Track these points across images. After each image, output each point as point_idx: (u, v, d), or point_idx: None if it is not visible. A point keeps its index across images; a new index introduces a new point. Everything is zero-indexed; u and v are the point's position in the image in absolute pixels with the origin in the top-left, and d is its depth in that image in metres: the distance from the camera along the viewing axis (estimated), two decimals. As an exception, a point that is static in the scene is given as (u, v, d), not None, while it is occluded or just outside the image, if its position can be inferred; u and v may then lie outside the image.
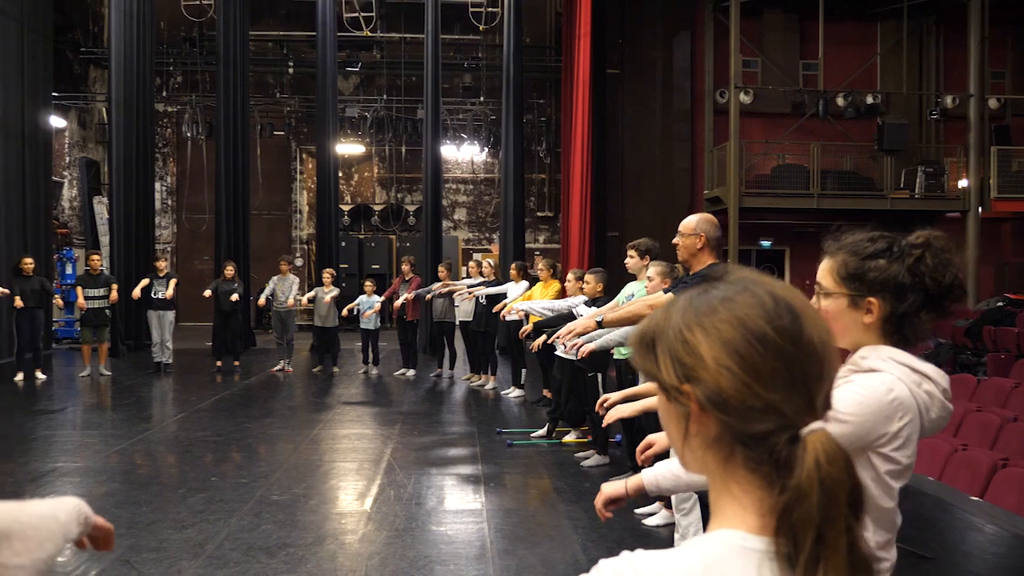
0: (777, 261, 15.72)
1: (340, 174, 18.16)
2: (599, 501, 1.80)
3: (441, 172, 13.60)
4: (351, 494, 5.04)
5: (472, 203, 18.75)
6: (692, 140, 14.91)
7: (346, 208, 18.19)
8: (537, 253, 18.47)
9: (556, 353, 6.36)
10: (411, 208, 18.14)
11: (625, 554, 0.75)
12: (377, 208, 18.36)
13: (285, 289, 10.44)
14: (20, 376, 9.43)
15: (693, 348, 0.76)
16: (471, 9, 14.69)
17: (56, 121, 16.05)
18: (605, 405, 2.88)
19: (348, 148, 17.80)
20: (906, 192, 14.14)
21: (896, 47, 14.92)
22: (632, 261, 5.08)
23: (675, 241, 3.53)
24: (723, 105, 14.12)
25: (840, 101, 14.01)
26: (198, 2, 14.61)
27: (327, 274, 10.45)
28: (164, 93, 17.38)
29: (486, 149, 17.74)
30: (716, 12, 14.25)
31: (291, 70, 17.51)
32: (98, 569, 3.74)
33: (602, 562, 0.75)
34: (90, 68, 17.07)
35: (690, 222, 3.45)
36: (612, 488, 1.83)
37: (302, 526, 4.30)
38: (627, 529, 4.26)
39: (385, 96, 17.23)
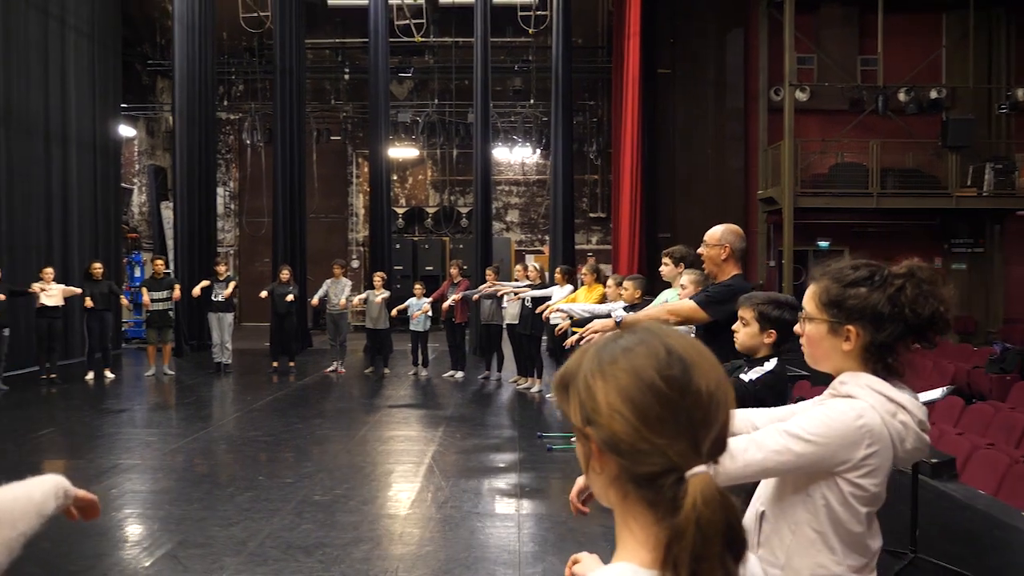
0: (836, 262, 15.31)
1: (395, 177, 18.53)
2: (573, 494, 1.65)
3: (491, 175, 13.72)
4: (390, 496, 5.17)
5: (524, 205, 18.83)
6: (745, 139, 14.65)
7: (400, 211, 18.51)
8: (589, 254, 18.44)
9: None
10: (464, 210, 18.32)
11: None
12: (431, 211, 18.61)
13: (338, 292, 10.71)
14: (90, 375, 9.93)
15: (593, 394, 0.81)
16: (520, 13, 14.75)
17: (126, 130, 16.82)
18: None
19: (402, 152, 18.10)
20: (973, 190, 13.59)
21: (962, 39, 14.35)
22: (667, 268, 5.06)
23: (700, 251, 3.53)
24: (778, 103, 13.84)
25: (902, 96, 13.55)
26: (256, 14, 15.07)
27: (378, 277, 10.68)
28: (226, 102, 17.98)
29: (538, 151, 17.79)
30: (770, 9, 13.97)
31: (347, 76, 17.92)
32: (149, 562, 3.95)
33: None
34: (157, 79, 17.80)
35: (715, 232, 3.44)
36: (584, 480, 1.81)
37: (340, 527, 4.44)
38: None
39: (436, 100, 17.44)
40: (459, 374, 10.34)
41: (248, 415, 8.01)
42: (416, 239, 18.36)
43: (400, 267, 17.57)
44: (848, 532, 1.46)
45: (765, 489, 1.62)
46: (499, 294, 9.45)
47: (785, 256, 12.84)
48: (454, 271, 10.43)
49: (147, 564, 3.94)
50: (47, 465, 6.02)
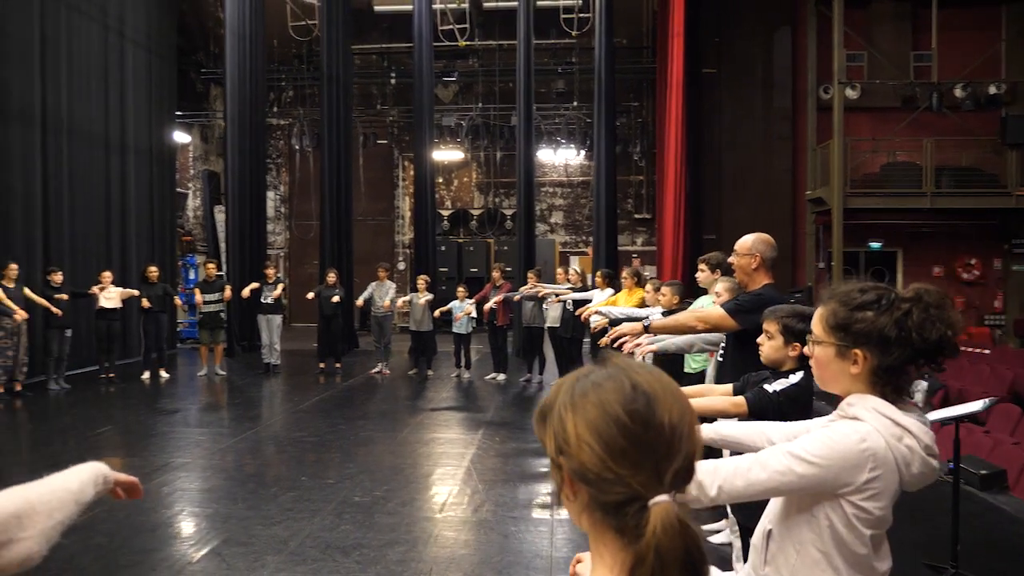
0: (888, 263, 14.92)
1: (440, 180, 18.72)
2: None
3: (534, 177, 13.76)
4: (428, 499, 5.26)
5: (569, 206, 18.84)
6: (793, 139, 14.39)
7: (445, 213, 18.71)
8: (634, 256, 18.37)
9: (634, 363, 6.38)
10: (508, 212, 18.41)
11: None
12: (475, 213, 18.76)
13: (382, 294, 10.89)
14: (146, 374, 10.31)
15: (565, 426, 0.86)
16: (563, 16, 14.76)
17: (181, 137, 17.36)
18: None
19: (448, 155, 18.29)
20: (1034, 188, 13.10)
21: (1023, 32, 13.85)
22: (703, 275, 5.03)
23: (730, 260, 3.52)
24: (827, 101, 13.55)
25: (957, 92, 13.15)
26: (304, 22, 15.41)
27: (422, 280, 10.83)
28: (276, 108, 18.43)
29: (582, 152, 17.77)
30: (819, 6, 13.68)
31: (393, 81, 18.17)
32: (195, 559, 4.11)
33: None
34: (211, 87, 18.32)
35: (746, 242, 3.43)
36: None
37: (378, 528, 4.55)
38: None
39: (481, 103, 17.57)
40: (501, 376, 10.42)
41: (295, 415, 8.22)
42: (461, 241, 18.52)
43: (445, 269, 17.76)
44: (852, 553, 1.47)
45: (773, 508, 1.63)
46: (540, 295, 9.51)
47: (835, 258, 12.57)
48: (496, 274, 10.52)
49: (193, 560, 4.10)
50: (108, 463, 6.29)
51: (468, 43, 16.98)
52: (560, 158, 18.33)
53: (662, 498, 0.82)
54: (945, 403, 7.95)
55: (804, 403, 2.53)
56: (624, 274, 8.09)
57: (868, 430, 1.45)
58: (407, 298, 10.85)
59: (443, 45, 16.11)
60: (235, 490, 5.43)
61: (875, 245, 14.61)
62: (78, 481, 1.17)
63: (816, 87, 14.06)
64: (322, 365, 11.12)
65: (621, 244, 18.54)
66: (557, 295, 9.24)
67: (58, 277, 9.37)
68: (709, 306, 4.82)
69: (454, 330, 10.65)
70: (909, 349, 1.47)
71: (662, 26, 13.93)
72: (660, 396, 0.85)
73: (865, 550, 1.47)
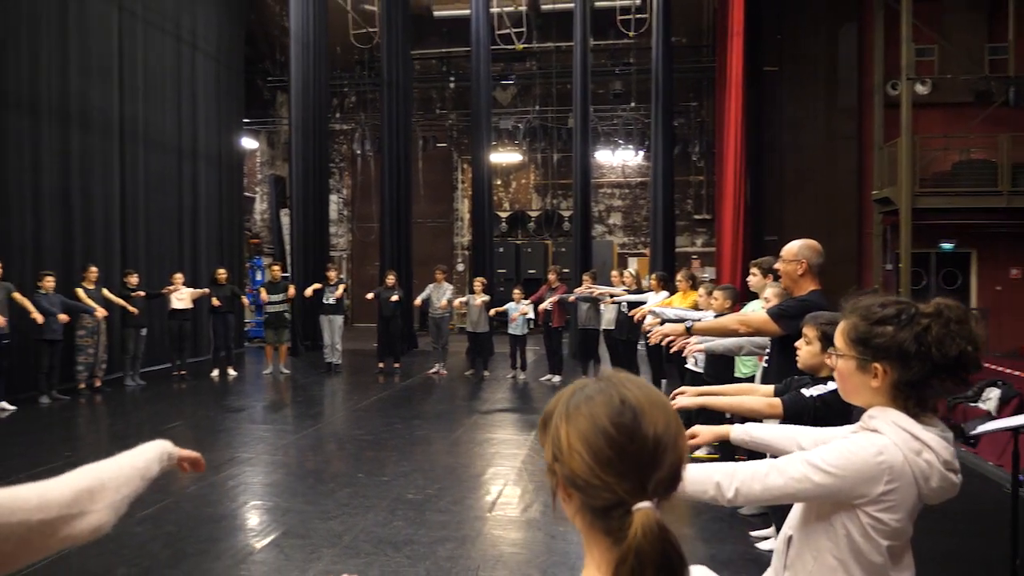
0: (962, 265, 14.38)
1: (498, 182, 18.89)
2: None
3: (591, 179, 13.75)
4: (478, 498, 5.37)
5: (627, 208, 18.75)
6: (859, 137, 14.00)
7: (503, 215, 18.86)
8: (694, 257, 18.15)
9: (687, 366, 6.37)
10: (566, 214, 18.44)
11: None
12: (533, 214, 18.86)
13: (439, 296, 11.08)
14: (215, 372, 10.74)
15: (559, 435, 0.94)
16: (619, 17, 14.71)
17: (249, 143, 18.01)
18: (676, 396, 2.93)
19: (506, 157, 18.44)
20: (1121, 186, 12.43)
21: (1109, 21, 13.14)
22: (754, 279, 5.00)
23: (776, 266, 3.51)
24: (894, 98, 13.13)
25: (1036, 86, 12.60)
26: (365, 30, 15.77)
27: (478, 282, 10.98)
28: (339, 113, 18.91)
29: (640, 153, 17.67)
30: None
31: (452, 85, 18.44)
32: (256, 549, 4.31)
33: None
34: (277, 94, 18.93)
35: (792, 248, 3.41)
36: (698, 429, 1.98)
37: (429, 524, 4.67)
38: (738, 553, 4.23)
39: (538, 106, 17.66)
40: (556, 378, 10.47)
41: (354, 414, 8.46)
42: (519, 243, 18.65)
43: (503, 270, 17.91)
44: (869, 562, 1.49)
45: (794, 515, 1.65)
46: (594, 294, 9.53)
47: (902, 259, 12.18)
48: (552, 276, 10.57)
49: (254, 551, 4.30)
50: (218, 453, 6.60)
51: (526, 46, 17.11)
52: (618, 159, 18.27)
53: (644, 504, 0.88)
54: (1019, 411, 7.65)
55: (840, 409, 2.50)
56: (679, 277, 8.05)
57: (886, 443, 1.47)
58: (464, 299, 11.01)
59: (500, 48, 16.27)
60: (295, 485, 5.65)
61: (947, 246, 14.10)
62: (144, 459, 1.29)
63: (883, 83, 13.65)
64: (381, 365, 11.38)
65: (680, 245, 18.36)
66: (612, 296, 9.26)
67: (134, 279, 9.87)
68: (756, 310, 4.79)
69: (510, 331, 10.75)
70: (929, 364, 1.47)
71: (722, 24, 13.76)
72: (646, 410, 0.91)
73: (881, 559, 1.48)
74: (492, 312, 10.63)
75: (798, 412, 2.47)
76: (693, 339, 4.12)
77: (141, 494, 1.24)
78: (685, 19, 17.24)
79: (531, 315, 10.65)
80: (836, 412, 2.47)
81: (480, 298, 10.74)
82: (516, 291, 10.80)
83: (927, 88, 12.62)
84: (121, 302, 9.62)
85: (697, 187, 17.91)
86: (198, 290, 10.70)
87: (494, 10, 16.03)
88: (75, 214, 9.82)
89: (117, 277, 10.13)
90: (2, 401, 8.12)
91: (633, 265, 18.20)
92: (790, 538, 1.63)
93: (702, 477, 1.56)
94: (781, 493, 1.50)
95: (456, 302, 11.10)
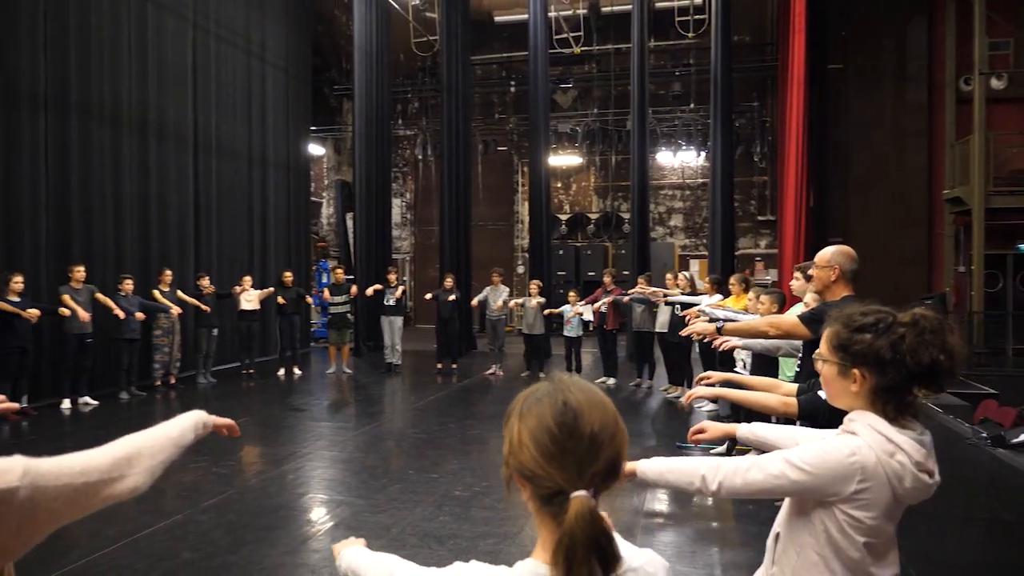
0: (1042, 267, 13.72)
1: (558, 184, 19.01)
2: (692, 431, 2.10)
3: (648, 181, 13.71)
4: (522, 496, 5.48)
5: (688, 209, 18.58)
6: (929, 135, 13.53)
7: (564, 217, 18.95)
8: (757, 259, 17.86)
9: (735, 369, 6.36)
10: (626, 216, 18.38)
11: (457, 564, 1.09)
12: (593, 216, 18.89)
13: (496, 298, 11.27)
14: (282, 371, 11.19)
15: (513, 431, 1.08)
16: (678, 18, 14.62)
17: (316, 149, 18.61)
18: (699, 380, 2.99)
19: (566, 159, 18.54)
20: None
21: None
22: (797, 284, 4.96)
23: (810, 272, 3.53)
24: (967, 94, 12.65)
25: (1123, 79, 11.94)
26: (426, 38, 16.12)
27: (534, 285, 11.11)
28: (400, 120, 19.35)
29: (701, 155, 17.50)
30: (959, -9, 12.82)
31: (512, 89, 18.64)
32: (310, 539, 4.55)
33: (439, 570, 1.10)
34: (343, 101, 19.50)
35: (825, 254, 3.42)
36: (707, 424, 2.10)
37: (473, 520, 4.83)
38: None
39: (596, 108, 17.69)
40: (611, 381, 10.50)
41: (411, 413, 8.71)
42: (579, 245, 18.71)
43: (563, 272, 18.00)
44: (848, 558, 1.55)
45: (782, 513, 1.73)
46: (646, 293, 9.54)
47: (975, 261, 11.75)
48: (608, 279, 10.61)
49: (308, 540, 4.54)
50: (245, 450, 6.95)
51: (586, 48, 17.17)
52: (679, 160, 18.13)
53: (580, 493, 1.01)
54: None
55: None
56: (732, 280, 7.99)
57: (860, 444, 1.54)
58: (520, 301, 11.16)
59: (560, 52, 16.38)
60: (350, 480, 5.90)
61: (1025, 247, 13.48)
62: (179, 429, 1.46)
63: (955, 79, 13.16)
64: (439, 366, 11.62)
65: (744, 247, 18.11)
66: (665, 296, 9.25)
67: (206, 281, 10.39)
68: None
69: (565, 333, 10.84)
70: (903, 371, 1.53)
71: (784, 22, 13.53)
72: (586, 411, 1.05)
73: (859, 555, 1.55)
74: (546, 312, 10.76)
75: (813, 413, 2.52)
76: (737, 340, 4.13)
77: (176, 460, 1.42)
78: (748, 17, 17.00)
79: (587, 316, 10.72)
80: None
81: (535, 300, 10.87)
82: (572, 294, 10.89)
83: (1002, 83, 12.09)
84: (194, 302, 10.15)
85: (761, 188, 17.62)
86: (265, 290, 11.18)
87: (553, 14, 16.18)
88: (152, 220, 10.40)
89: (191, 280, 10.68)
90: (85, 396, 8.69)
91: (695, 266, 18.03)
92: (778, 535, 1.71)
93: (690, 469, 1.66)
94: (760, 488, 1.58)
95: (512, 303, 11.25)
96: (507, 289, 11.51)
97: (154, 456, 1.34)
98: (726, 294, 8.40)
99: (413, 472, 6.04)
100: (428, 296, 11.60)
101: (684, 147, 17.52)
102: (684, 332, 3.89)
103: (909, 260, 12.98)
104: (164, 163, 10.61)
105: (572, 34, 15.65)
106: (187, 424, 1.49)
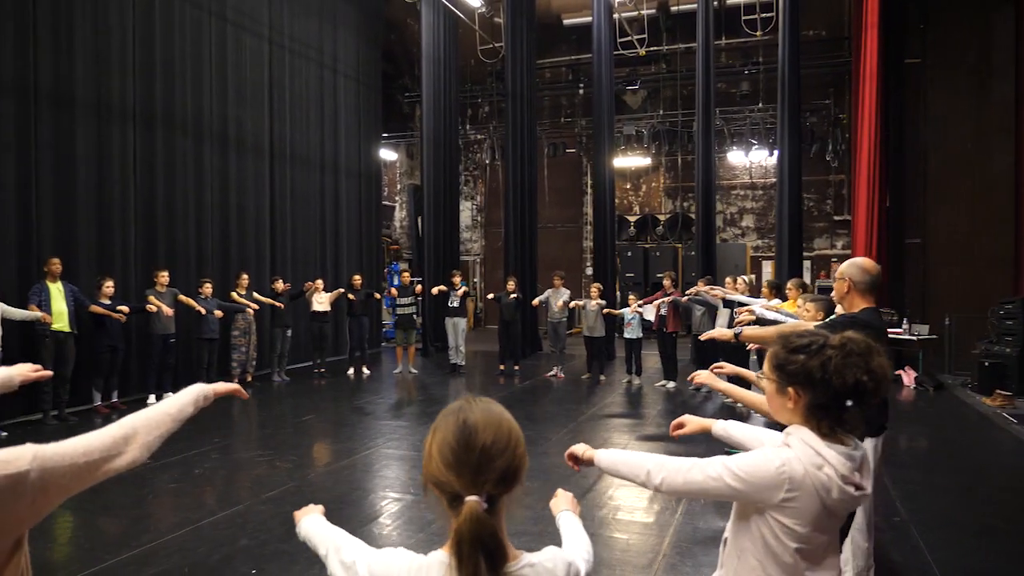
0: None
1: (628, 186, 18.99)
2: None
3: (713, 182, 13.55)
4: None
5: (761, 209, 18.22)
6: (1017, 131, 12.85)
7: (632, 219, 18.90)
8: (834, 260, 17.35)
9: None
10: (695, 217, 18.19)
11: (388, 549, 1.29)
12: (662, 218, 18.76)
13: (557, 300, 11.41)
14: (351, 371, 11.66)
15: (427, 445, 1.26)
16: (744, 17, 14.39)
17: (388, 154, 19.20)
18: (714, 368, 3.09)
19: (636, 160, 18.49)
20: None
21: None
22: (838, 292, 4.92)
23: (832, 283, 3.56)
24: (1059, 86, 11.99)
25: None
26: (491, 45, 16.40)
27: (594, 288, 11.20)
28: (468, 126, 19.73)
29: (774, 153, 17.12)
30: (1049, -23, 12.14)
31: (581, 91, 18.72)
32: (360, 530, 4.83)
33: (373, 551, 1.30)
34: (415, 107, 19.99)
35: (841, 266, 3.48)
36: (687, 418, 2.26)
37: (525, 519, 5.01)
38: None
39: (662, 110, 17.58)
40: (671, 384, 10.49)
41: (468, 413, 8.95)
42: (647, 246, 18.61)
43: (631, 274, 17.97)
44: (783, 562, 1.66)
45: (730, 518, 1.84)
46: (703, 290, 9.49)
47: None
48: (667, 282, 10.61)
49: (355, 532, 4.81)
50: (309, 447, 7.36)
51: (656, 48, 17.08)
52: (751, 160, 17.80)
53: (472, 498, 1.18)
54: None
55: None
56: (789, 284, 7.90)
57: (790, 457, 1.64)
58: (580, 303, 11.27)
59: (627, 54, 16.37)
60: (403, 476, 6.19)
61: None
62: (177, 405, 1.64)
63: (1045, 70, 12.47)
64: (502, 367, 11.85)
65: (819, 248, 17.64)
66: (724, 296, 9.19)
67: (280, 284, 10.94)
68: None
69: (626, 335, 10.90)
70: (831, 390, 1.64)
71: (858, 16, 13.11)
72: (480, 428, 1.23)
73: (791, 560, 1.65)
74: (605, 312, 10.86)
75: None
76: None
77: (176, 427, 1.56)
78: (824, 11, 16.56)
79: (648, 315, 10.72)
80: None
81: (596, 302, 10.96)
82: (631, 297, 10.93)
83: (1100, 73, 11.40)
84: (269, 301, 10.71)
85: (837, 187, 17.11)
86: (335, 292, 11.68)
87: (624, 15, 16.20)
88: (231, 227, 11.04)
89: (266, 283, 11.26)
90: (169, 392, 9.32)
91: (767, 268, 17.67)
92: (726, 539, 1.82)
93: (638, 463, 1.81)
94: (698, 488, 1.71)
95: (572, 303, 11.39)
96: (568, 291, 11.63)
97: (150, 432, 1.53)
98: (784, 298, 8.29)
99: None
100: (490, 296, 11.87)
101: (756, 146, 17.19)
102: (704, 336, 3.97)
103: (993, 262, 12.38)
104: (242, 172, 11.24)
105: (637, 36, 15.61)
106: (186, 400, 1.68)
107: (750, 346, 3.98)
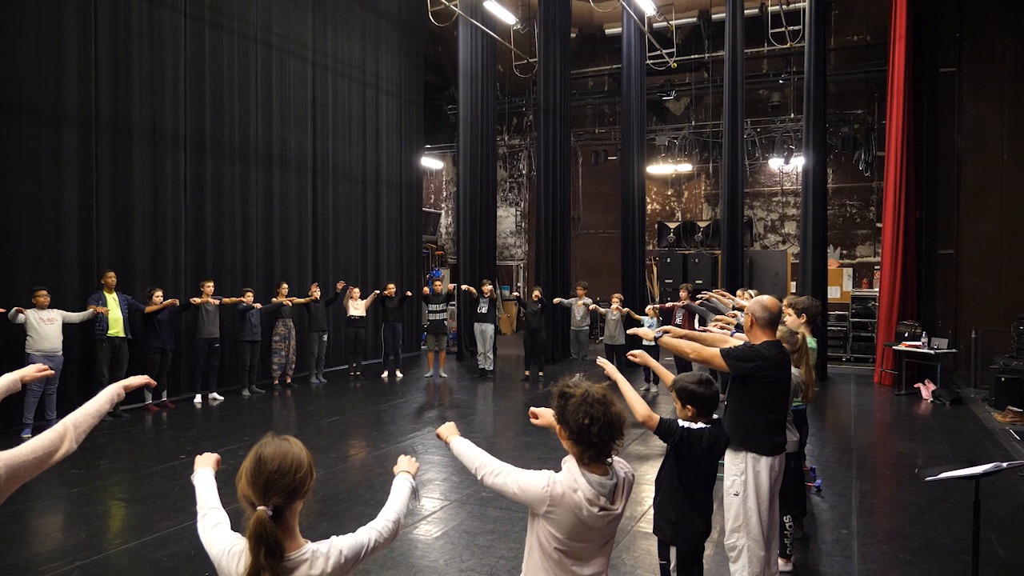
0: None
1: (670, 192, 19.22)
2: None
3: (741, 188, 13.74)
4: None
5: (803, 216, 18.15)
6: (1054, 140, 12.62)
7: (672, 225, 19.10)
8: (877, 268, 17.18)
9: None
10: (721, 224, 18.28)
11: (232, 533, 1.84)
12: (702, 224, 18.90)
13: (579, 310, 11.86)
14: (385, 374, 12.38)
15: (241, 467, 1.80)
16: (771, 30, 14.48)
17: (433, 163, 19.93)
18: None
19: (677, 167, 18.69)
20: None
21: None
22: (790, 319, 5.28)
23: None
24: (1097, 95, 11.73)
25: None
26: (526, 60, 16.89)
27: (615, 298, 11.59)
28: (511, 134, 20.26)
29: (802, 163, 17.10)
30: (1088, -17, 11.88)
31: (621, 99, 19.02)
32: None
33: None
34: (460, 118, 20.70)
35: (749, 303, 3.88)
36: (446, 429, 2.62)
37: (491, 519, 5.54)
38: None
39: (707, 116, 17.70)
40: (653, 388, 10.82)
41: (492, 416, 9.50)
42: (687, 252, 18.78)
43: (670, 280, 18.13)
44: (552, 559, 2.16)
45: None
46: (715, 296, 9.75)
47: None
48: (683, 294, 10.92)
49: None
50: (337, 448, 8.04)
51: (698, 56, 17.27)
52: (792, 166, 17.78)
53: (260, 508, 1.72)
54: None
55: (694, 448, 3.07)
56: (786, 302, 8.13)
57: (557, 479, 2.14)
58: (603, 309, 11.67)
59: (664, 62, 16.61)
60: (429, 477, 6.77)
61: None
62: (96, 406, 2.19)
63: (1086, 78, 12.20)
64: (527, 373, 12.36)
65: (861, 255, 17.53)
66: (734, 307, 9.43)
67: (317, 292, 11.71)
68: (812, 346, 5.13)
69: (644, 344, 11.24)
70: (570, 428, 2.13)
71: (892, 25, 13.09)
72: (269, 459, 1.77)
73: (557, 557, 2.15)
74: (631, 332, 11.21)
75: (666, 432, 3.07)
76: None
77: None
78: (869, 16, 16.43)
79: (648, 335, 11.02)
80: (691, 447, 3.05)
81: (616, 312, 11.35)
82: (649, 308, 11.27)
83: None
84: (305, 300, 11.46)
85: (880, 193, 16.94)
86: (371, 295, 12.39)
87: (659, 25, 16.46)
88: (274, 240, 11.88)
89: (307, 291, 12.06)
90: (214, 392, 10.21)
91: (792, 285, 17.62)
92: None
93: (474, 455, 2.36)
94: (500, 489, 2.25)
95: (592, 305, 11.80)
96: (590, 301, 12.07)
97: (78, 427, 2.11)
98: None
99: (460, 475, 6.83)
100: (515, 293, 12.40)
101: (796, 153, 17.19)
102: (630, 331, 4.50)
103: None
104: (286, 189, 12.07)
105: (667, 51, 15.87)
106: (103, 400, 2.25)
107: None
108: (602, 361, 3.60)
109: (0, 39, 7.98)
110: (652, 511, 3.45)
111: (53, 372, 3.06)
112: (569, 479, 2.14)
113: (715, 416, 3.24)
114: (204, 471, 2.26)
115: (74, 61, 8.75)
